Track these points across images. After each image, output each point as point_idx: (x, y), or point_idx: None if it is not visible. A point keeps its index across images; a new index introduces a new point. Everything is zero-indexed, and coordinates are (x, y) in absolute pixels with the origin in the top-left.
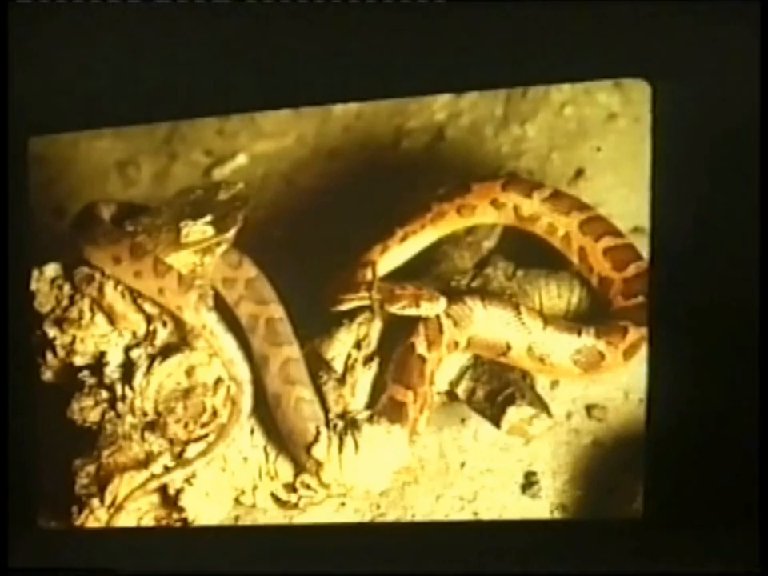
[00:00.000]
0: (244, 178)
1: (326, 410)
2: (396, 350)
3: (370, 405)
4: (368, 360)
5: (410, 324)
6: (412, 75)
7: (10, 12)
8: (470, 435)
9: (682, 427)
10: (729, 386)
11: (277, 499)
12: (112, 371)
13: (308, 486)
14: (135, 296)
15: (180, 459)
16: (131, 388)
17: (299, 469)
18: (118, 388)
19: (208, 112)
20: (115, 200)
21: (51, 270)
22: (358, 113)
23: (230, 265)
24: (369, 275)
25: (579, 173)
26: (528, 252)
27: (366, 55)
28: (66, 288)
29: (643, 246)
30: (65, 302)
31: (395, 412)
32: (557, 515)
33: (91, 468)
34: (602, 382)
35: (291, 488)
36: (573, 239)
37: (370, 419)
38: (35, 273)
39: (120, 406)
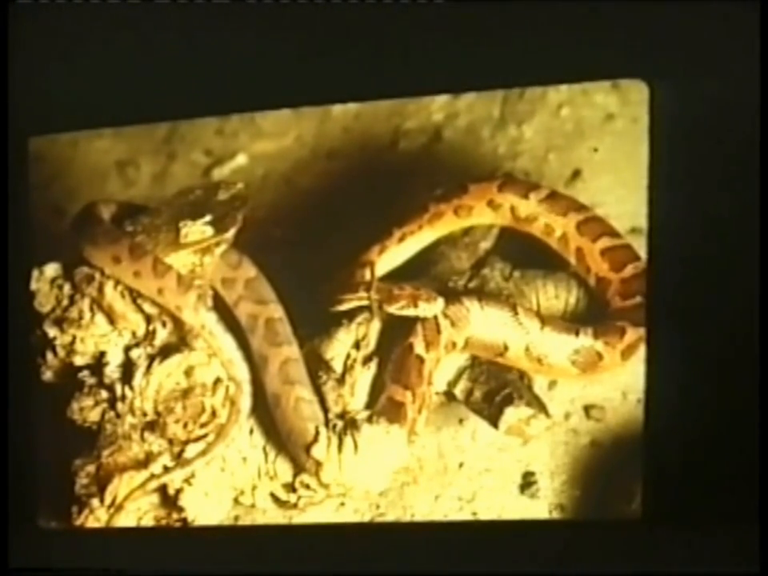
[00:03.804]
0: (243, 178)
1: (326, 410)
2: (394, 350)
3: (369, 405)
4: (367, 360)
5: (409, 324)
6: (410, 76)
7: (10, 12)
8: (468, 435)
9: (681, 427)
10: (728, 385)
11: (276, 499)
12: (112, 371)
13: (307, 486)
14: (135, 296)
15: (179, 459)
16: (131, 388)
17: (298, 469)
18: (118, 388)
19: (208, 112)
20: (115, 200)
21: (51, 269)
22: (356, 113)
23: (230, 265)
24: (367, 275)
25: (576, 173)
26: (525, 253)
27: (365, 55)
28: (66, 288)
29: (641, 247)
30: (65, 302)
31: (394, 412)
32: (555, 515)
33: (91, 468)
34: (600, 383)
35: (290, 488)
36: (570, 240)
37: (369, 419)
38: (35, 273)
39: (120, 406)
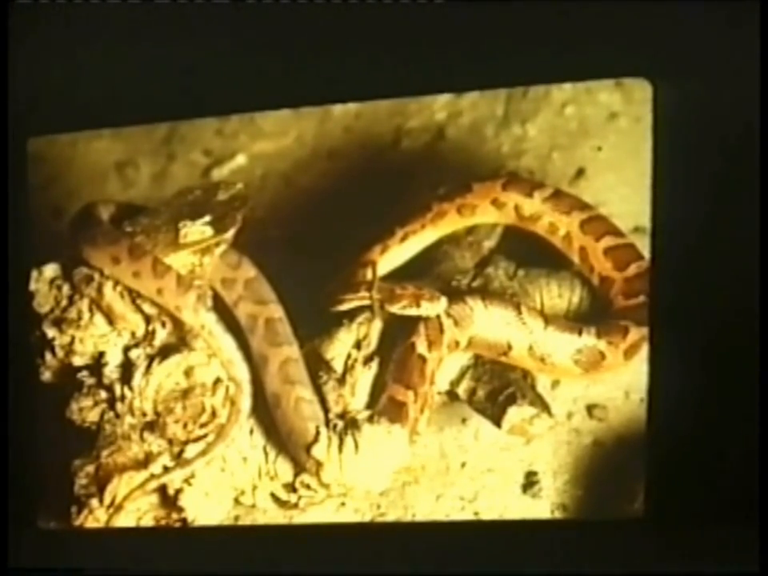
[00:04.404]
0: (243, 178)
1: (326, 410)
2: (396, 349)
3: (370, 405)
4: (368, 360)
5: (411, 324)
6: (412, 75)
7: (10, 12)
8: (471, 435)
9: (683, 427)
10: (730, 385)
11: (276, 499)
12: (111, 371)
13: (308, 486)
14: (134, 296)
15: (179, 459)
16: (130, 388)
17: (299, 469)
18: (117, 388)
19: (207, 112)
20: (114, 200)
21: (50, 270)
22: (357, 113)
23: (229, 265)
24: (369, 275)
25: (580, 172)
26: (529, 252)
27: (365, 55)
28: (65, 288)
29: (644, 246)
30: (64, 303)
31: (395, 412)
32: (558, 515)
33: (90, 468)
34: (602, 382)
35: (291, 488)
36: (574, 239)
37: (370, 419)
38: (34, 273)
39: (119, 406)
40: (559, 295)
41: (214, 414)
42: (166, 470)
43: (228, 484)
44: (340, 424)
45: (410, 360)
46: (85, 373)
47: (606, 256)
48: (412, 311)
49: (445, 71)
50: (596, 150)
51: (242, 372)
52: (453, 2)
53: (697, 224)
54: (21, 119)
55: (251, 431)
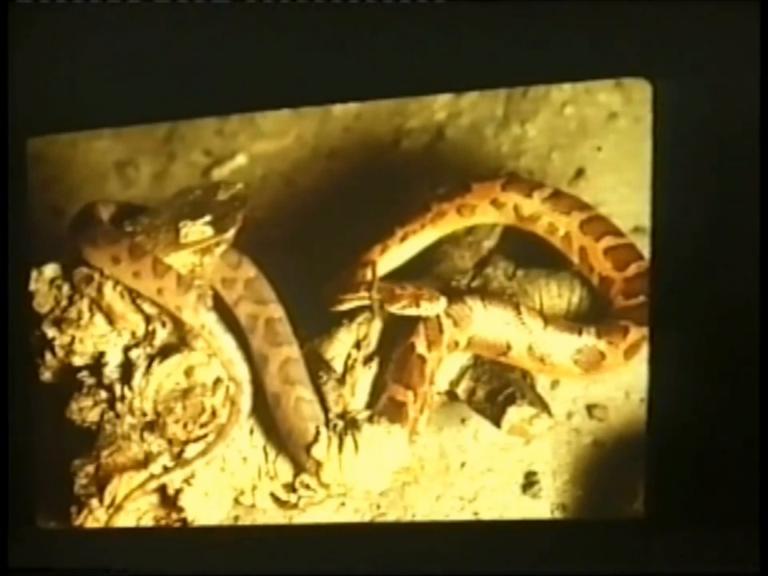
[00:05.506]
0: (243, 178)
1: (326, 410)
2: (396, 349)
3: (370, 405)
4: (368, 360)
5: (410, 324)
6: (412, 75)
7: (10, 12)
8: (471, 435)
9: (683, 427)
10: (729, 385)
11: (276, 499)
12: (111, 371)
13: (308, 486)
14: (134, 296)
15: (179, 459)
16: (130, 388)
17: (299, 469)
18: (117, 388)
19: (208, 112)
20: (114, 200)
21: (50, 270)
22: (357, 113)
23: (230, 265)
24: (369, 275)
25: (580, 172)
26: (528, 252)
27: (365, 55)
28: (65, 288)
29: (644, 246)
30: (64, 303)
31: (395, 412)
32: (557, 515)
33: (90, 468)
34: (602, 382)
35: (291, 488)
36: (573, 239)
37: (369, 419)
38: (34, 273)
39: (119, 406)
40: (559, 295)
41: (214, 414)
42: (166, 469)
43: (228, 484)
44: (340, 424)
45: (410, 360)
46: (85, 373)
47: (605, 256)
48: (411, 311)
49: (445, 71)
50: (596, 150)
51: (242, 372)
52: (453, 1)
53: (696, 224)
54: (21, 119)
55: (251, 431)
